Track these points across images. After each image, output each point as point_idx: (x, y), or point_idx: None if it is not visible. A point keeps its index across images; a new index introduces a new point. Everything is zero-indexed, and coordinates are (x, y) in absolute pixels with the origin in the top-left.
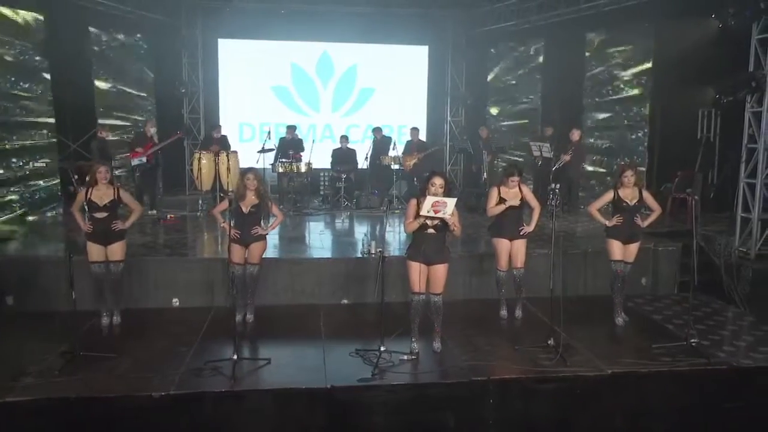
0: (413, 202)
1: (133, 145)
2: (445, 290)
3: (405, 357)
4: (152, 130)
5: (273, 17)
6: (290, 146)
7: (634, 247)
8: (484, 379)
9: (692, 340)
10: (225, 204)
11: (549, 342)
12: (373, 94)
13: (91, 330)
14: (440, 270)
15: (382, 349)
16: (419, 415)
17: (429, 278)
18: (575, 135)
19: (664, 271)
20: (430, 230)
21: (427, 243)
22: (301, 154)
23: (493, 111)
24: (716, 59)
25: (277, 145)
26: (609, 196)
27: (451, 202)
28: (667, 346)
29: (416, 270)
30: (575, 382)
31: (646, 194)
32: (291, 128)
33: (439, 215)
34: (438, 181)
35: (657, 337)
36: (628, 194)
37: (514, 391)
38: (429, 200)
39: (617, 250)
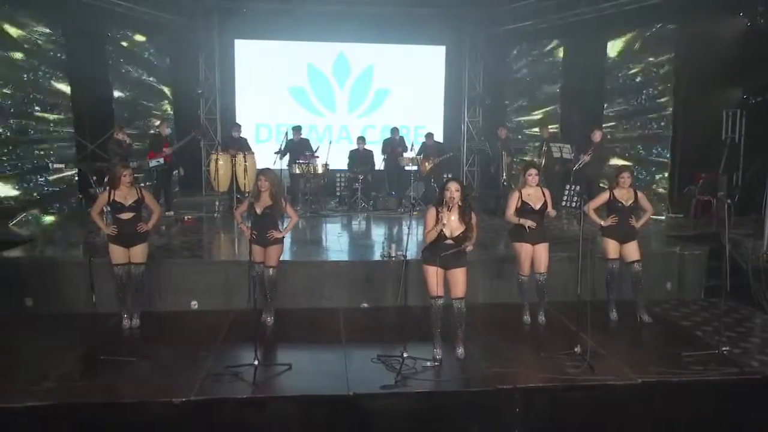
0: (432, 211)
1: (151, 147)
2: (466, 294)
3: (428, 364)
4: (167, 131)
5: (289, 17)
6: (298, 147)
7: (633, 245)
8: (510, 387)
9: (723, 348)
10: (245, 205)
11: (576, 349)
12: (390, 95)
13: (111, 333)
14: (459, 274)
15: (405, 355)
16: (443, 424)
17: (448, 283)
18: (596, 135)
19: (689, 276)
20: (449, 241)
21: (444, 250)
22: (312, 154)
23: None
24: (743, 58)
25: (283, 147)
26: (605, 196)
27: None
28: (698, 354)
29: (433, 274)
30: (604, 391)
31: (640, 195)
32: (297, 129)
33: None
34: (453, 186)
35: (686, 344)
36: (624, 195)
37: (541, 400)
38: None
39: (612, 249)
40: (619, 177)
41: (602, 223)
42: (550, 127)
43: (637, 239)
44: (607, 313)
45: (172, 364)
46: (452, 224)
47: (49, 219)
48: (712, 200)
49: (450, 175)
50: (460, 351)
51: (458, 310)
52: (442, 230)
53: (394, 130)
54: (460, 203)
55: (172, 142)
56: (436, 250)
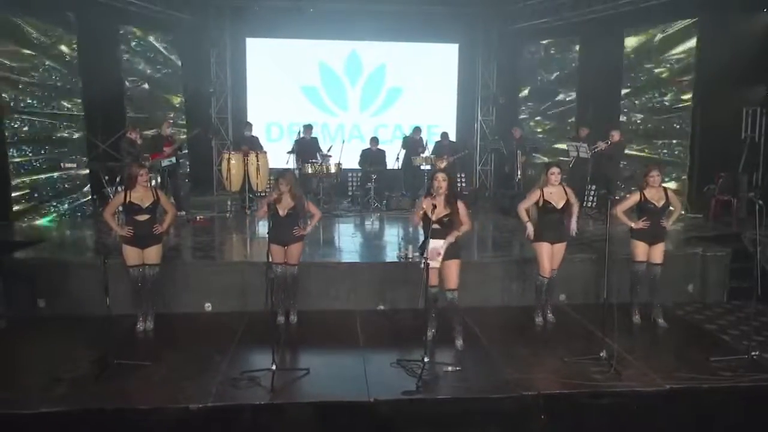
0: (423, 200)
1: (153, 147)
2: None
3: (449, 368)
4: (168, 130)
5: (301, 16)
6: (308, 146)
7: (659, 248)
8: (534, 393)
9: (753, 353)
10: (264, 208)
11: (601, 354)
12: (402, 94)
13: (125, 336)
14: (450, 266)
15: (426, 359)
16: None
17: (441, 274)
18: (615, 136)
19: (712, 278)
20: (435, 225)
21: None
22: (325, 154)
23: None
24: (767, 55)
25: (294, 147)
26: (636, 197)
27: (438, 244)
28: (727, 359)
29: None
30: (631, 397)
31: (670, 194)
32: (308, 128)
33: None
34: (440, 176)
35: (713, 348)
36: (655, 195)
37: (566, 407)
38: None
39: (641, 251)
40: (648, 176)
41: (633, 225)
42: (583, 128)
43: (665, 242)
44: (630, 316)
45: (188, 368)
46: (439, 210)
47: (61, 219)
48: (732, 200)
49: (463, 174)
50: (459, 343)
51: (451, 301)
52: (428, 215)
53: (417, 130)
54: (446, 192)
55: (174, 141)
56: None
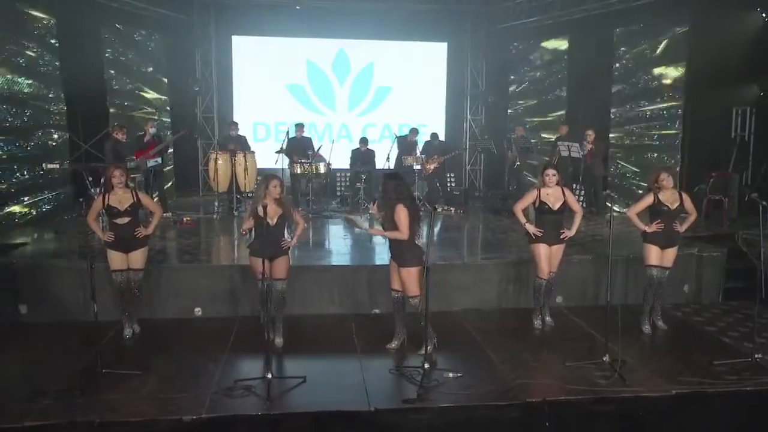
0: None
1: (138, 147)
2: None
3: (450, 375)
4: (152, 131)
5: (288, 13)
6: (301, 145)
7: (672, 252)
8: (539, 400)
9: (756, 356)
10: (251, 220)
11: (604, 358)
12: (390, 93)
13: (112, 343)
14: (405, 273)
15: (426, 366)
16: None
17: (402, 281)
18: (591, 136)
19: (707, 278)
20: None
21: (393, 245)
22: (314, 153)
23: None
24: (759, 55)
25: (285, 146)
26: (649, 199)
27: (360, 221)
28: (730, 363)
29: (391, 268)
30: (637, 403)
31: (685, 197)
32: (300, 126)
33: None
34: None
35: (715, 351)
36: (668, 198)
37: (571, 414)
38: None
39: (654, 255)
40: (659, 180)
41: (647, 228)
42: (562, 126)
43: (678, 246)
44: (640, 324)
45: (179, 377)
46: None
47: (44, 221)
48: (723, 199)
49: (452, 175)
50: (429, 347)
51: (413, 307)
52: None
53: (413, 131)
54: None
55: (159, 142)
56: (392, 247)
